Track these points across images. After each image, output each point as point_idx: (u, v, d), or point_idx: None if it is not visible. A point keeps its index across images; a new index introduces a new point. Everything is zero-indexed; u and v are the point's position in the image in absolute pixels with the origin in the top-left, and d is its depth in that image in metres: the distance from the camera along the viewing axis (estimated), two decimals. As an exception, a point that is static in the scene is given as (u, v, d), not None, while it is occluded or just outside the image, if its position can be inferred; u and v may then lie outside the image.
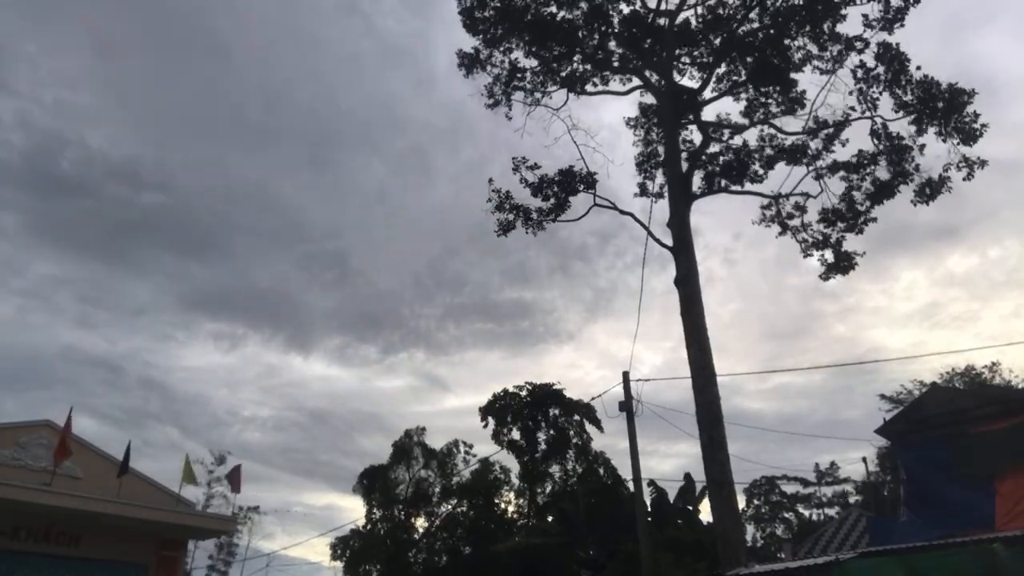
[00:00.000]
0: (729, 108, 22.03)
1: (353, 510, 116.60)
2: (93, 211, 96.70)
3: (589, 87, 21.87)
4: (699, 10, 20.94)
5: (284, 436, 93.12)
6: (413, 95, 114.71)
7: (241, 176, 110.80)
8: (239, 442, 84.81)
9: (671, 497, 29.35)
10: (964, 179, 18.09)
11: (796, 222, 20.56)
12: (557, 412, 37.89)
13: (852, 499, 48.57)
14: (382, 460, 40.64)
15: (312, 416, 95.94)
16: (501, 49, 21.12)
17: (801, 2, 19.03)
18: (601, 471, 36.11)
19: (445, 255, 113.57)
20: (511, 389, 38.34)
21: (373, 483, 40.04)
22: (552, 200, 20.30)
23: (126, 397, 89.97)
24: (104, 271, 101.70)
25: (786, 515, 52.13)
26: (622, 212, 19.73)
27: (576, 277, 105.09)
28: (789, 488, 52.80)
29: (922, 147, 18.50)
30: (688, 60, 21.51)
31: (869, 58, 18.85)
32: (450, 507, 38.91)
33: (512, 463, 38.29)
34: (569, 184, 20.22)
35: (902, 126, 18.77)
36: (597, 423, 36.65)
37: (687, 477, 28.93)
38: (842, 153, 19.87)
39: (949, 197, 18.35)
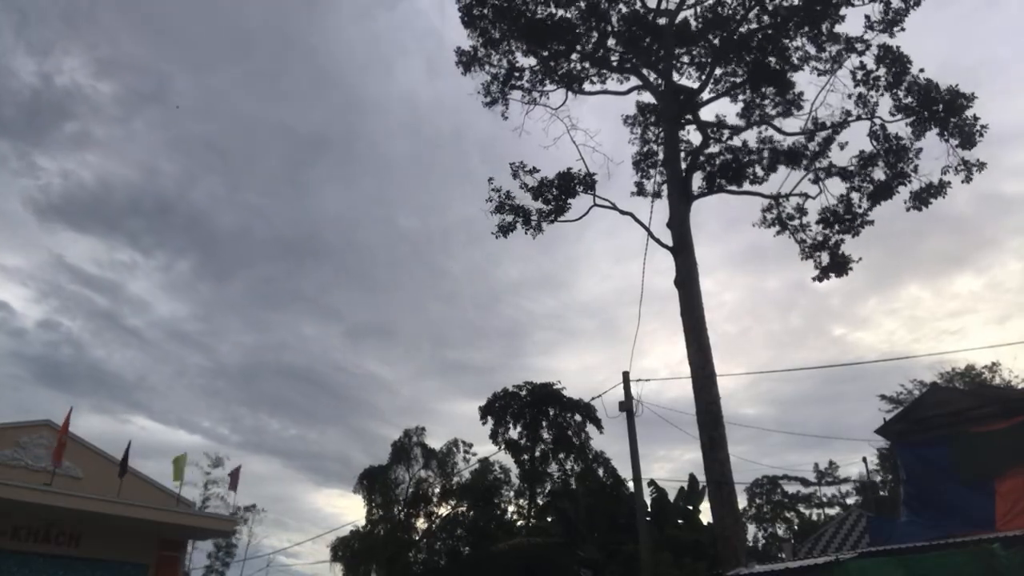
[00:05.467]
0: (727, 109, 22.08)
1: (349, 508, 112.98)
2: None
3: (587, 86, 21.89)
4: (698, 10, 20.97)
5: (222, 403, 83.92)
6: None
7: None
8: (178, 413, 77.92)
9: (671, 497, 29.35)
10: (963, 182, 18.10)
11: (795, 223, 20.58)
12: (556, 412, 37.93)
13: (852, 499, 48.63)
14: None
15: (243, 373, 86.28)
16: (499, 48, 21.12)
17: (800, 2, 19.04)
18: (601, 471, 36.15)
19: (367, 144, 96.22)
20: (511, 388, 38.50)
21: (373, 483, 40.08)
22: (552, 203, 20.30)
23: (21, 343, 76.35)
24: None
25: (787, 515, 52.14)
26: (622, 212, 19.73)
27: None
28: (790, 488, 52.93)
29: (919, 151, 18.52)
30: (687, 60, 21.54)
31: (869, 60, 18.89)
32: (450, 507, 38.94)
33: (511, 463, 38.40)
34: (568, 187, 20.23)
35: (901, 128, 18.81)
36: (597, 423, 36.73)
37: (691, 478, 28.93)
38: (841, 155, 19.90)
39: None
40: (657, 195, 21.48)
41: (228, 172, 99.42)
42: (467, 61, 21.30)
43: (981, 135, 17.74)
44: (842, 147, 19.79)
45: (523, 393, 38.22)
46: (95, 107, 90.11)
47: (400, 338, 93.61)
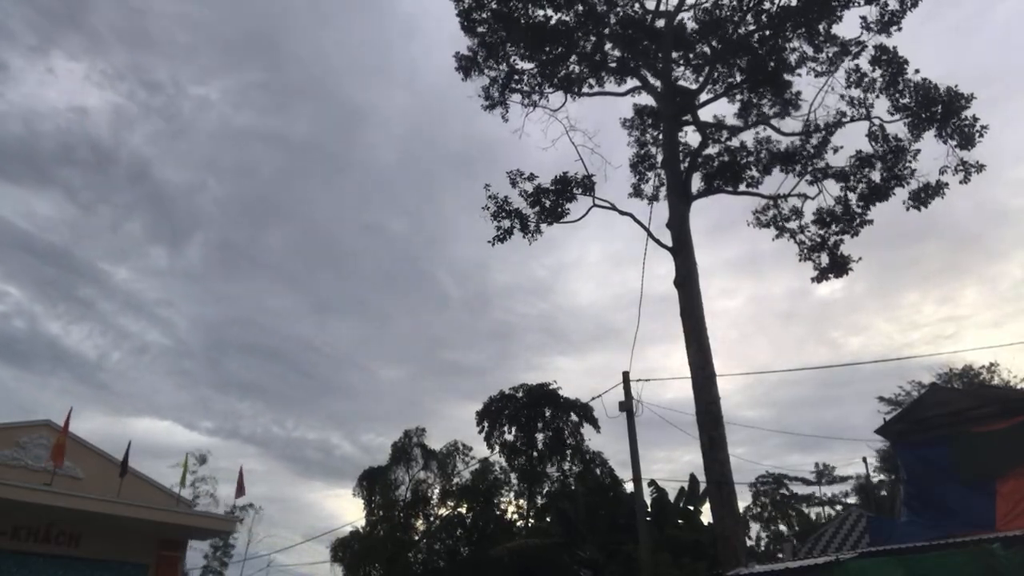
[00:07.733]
0: (725, 110, 22.12)
1: (335, 503, 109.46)
2: None
3: (586, 88, 21.90)
4: (696, 12, 21.02)
5: (189, 384, 79.36)
6: None
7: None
8: (146, 396, 74.36)
9: (671, 497, 29.35)
10: (960, 182, 18.11)
11: (793, 224, 20.58)
12: (553, 412, 37.86)
13: (849, 500, 48.66)
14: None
15: (208, 351, 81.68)
16: (498, 52, 21.12)
17: (796, 4, 19.06)
18: (598, 471, 36.08)
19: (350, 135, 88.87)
20: (507, 391, 38.45)
21: (373, 484, 40.07)
22: (550, 209, 20.26)
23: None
24: None
25: (790, 513, 52.15)
26: (621, 212, 19.75)
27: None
28: (790, 488, 52.89)
29: (917, 152, 18.55)
30: (684, 62, 21.57)
31: (866, 61, 18.92)
32: (449, 508, 38.92)
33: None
34: (567, 191, 20.22)
35: (899, 128, 18.85)
36: (594, 422, 36.67)
37: (691, 478, 28.91)
38: (839, 155, 19.94)
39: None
40: (655, 197, 21.51)
41: (170, 115, 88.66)
42: (466, 66, 21.33)
43: (981, 136, 17.77)
44: (835, 151, 19.82)
45: (519, 395, 38.19)
46: (7, 33, 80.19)
47: (379, 321, 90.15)
